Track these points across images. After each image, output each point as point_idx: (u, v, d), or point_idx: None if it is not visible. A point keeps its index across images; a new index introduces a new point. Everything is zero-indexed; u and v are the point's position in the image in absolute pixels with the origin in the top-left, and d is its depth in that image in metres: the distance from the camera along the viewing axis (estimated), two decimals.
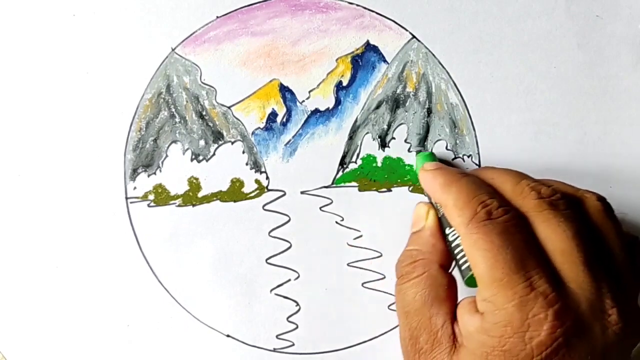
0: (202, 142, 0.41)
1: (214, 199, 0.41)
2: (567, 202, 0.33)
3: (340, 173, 0.41)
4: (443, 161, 0.41)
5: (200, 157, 0.41)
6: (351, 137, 0.41)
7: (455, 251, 0.35)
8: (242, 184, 0.41)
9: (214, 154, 0.41)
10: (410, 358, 0.34)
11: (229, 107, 0.41)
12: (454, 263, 0.36)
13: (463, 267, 0.34)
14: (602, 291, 0.31)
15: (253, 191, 0.41)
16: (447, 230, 0.36)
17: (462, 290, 0.35)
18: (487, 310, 0.31)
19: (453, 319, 0.34)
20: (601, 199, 0.34)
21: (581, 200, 0.34)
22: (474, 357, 0.31)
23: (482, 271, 0.31)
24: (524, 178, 0.35)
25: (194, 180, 0.41)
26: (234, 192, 0.41)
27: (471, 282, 0.33)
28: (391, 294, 0.41)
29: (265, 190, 0.41)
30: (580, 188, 0.35)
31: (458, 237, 0.35)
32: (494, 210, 0.33)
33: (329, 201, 0.41)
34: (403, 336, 0.35)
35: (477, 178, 0.36)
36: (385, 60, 0.41)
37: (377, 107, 0.42)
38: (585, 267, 0.31)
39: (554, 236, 0.32)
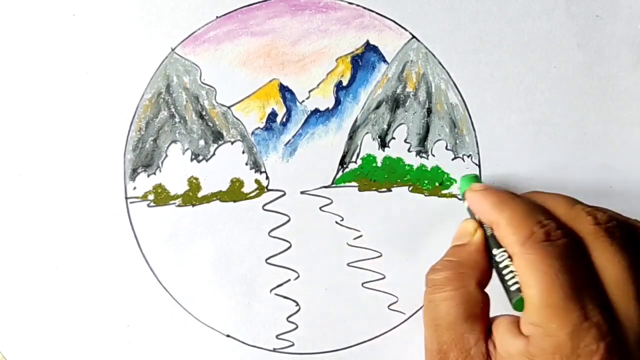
0: (201, 142, 0.41)
1: (214, 199, 0.41)
2: (623, 230, 0.32)
3: (340, 173, 0.41)
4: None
5: (200, 157, 0.41)
6: (351, 137, 0.41)
7: (504, 272, 0.34)
8: (242, 184, 0.41)
9: (213, 154, 0.41)
10: None
11: (228, 107, 0.41)
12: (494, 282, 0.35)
13: (512, 289, 0.33)
14: None
15: (253, 191, 0.41)
16: (495, 251, 0.35)
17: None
18: (534, 335, 0.30)
19: (486, 337, 0.33)
20: None
21: (635, 229, 0.33)
22: None
23: (535, 294, 0.31)
24: (577, 202, 0.34)
25: (194, 180, 0.41)
26: (234, 192, 0.41)
27: (520, 305, 0.33)
28: (391, 294, 0.41)
29: (265, 190, 0.41)
30: (629, 217, 0.35)
31: (507, 258, 0.34)
32: (552, 232, 0.32)
33: (329, 201, 0.41)
34: (430, 349, 0.34)
35: (530, 199, 0.35)
36: (385, 60, 0.41)
37: (377, 107, 0.42)
38: (638, 300, 0.31)
39: (609, 265, 0.31)
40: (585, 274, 0.31)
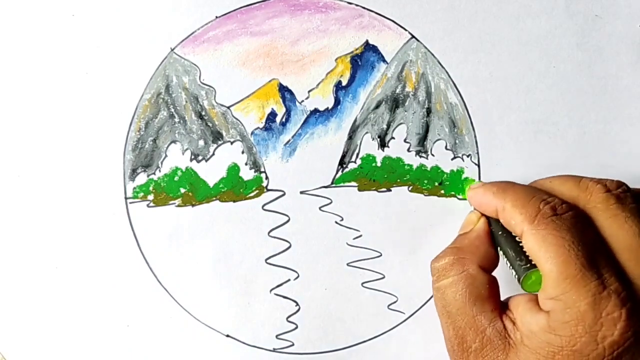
0: (201, 142, 0.41)
1: (214, 199, 0.41)
2: (633, 196, 0.33)
3: (340, 173, 0.41)
4: None
5: (200, 157, 0.41)
6: (350, 137, 0.41)
7: (511, 255, 0.35)
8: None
9: (213, 154, 0.41)
10: (458, 357, 0.34)
11: (228, 107, 0.41)
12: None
13: (521, 269, 0.34)
14: None
15: (252, 191, 0.41)
16: (501, 237, 0.36)
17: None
18: (555, 309, 0.31)
19: (500, 315, 0.33)
20: None
21: None
22: (538, 357, 0.31)
23: (552, 268, 0.31)
24: (583, 177, 0.34)
25: None
26: (234, 192, 0.41)
27: (529, 285, 0.33)
28: (391, 294, 0.41)
29: (265, 190, 0.41)
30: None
31: (513, 242, 0.34)
32: (558, 207, 0.32)
33: (329, 201, 0.41)
34: (448, 336, 0.34)
35: (530, 185, 0.36)
36: (384, 60, 0.41)
37: (377, 106, 0.42)
38: None
39: (621, 233, 0.31)
40: (596, 243, 0.31)
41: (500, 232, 0.36)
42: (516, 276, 0.34)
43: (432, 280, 0.36)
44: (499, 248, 0.36)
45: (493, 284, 0.34)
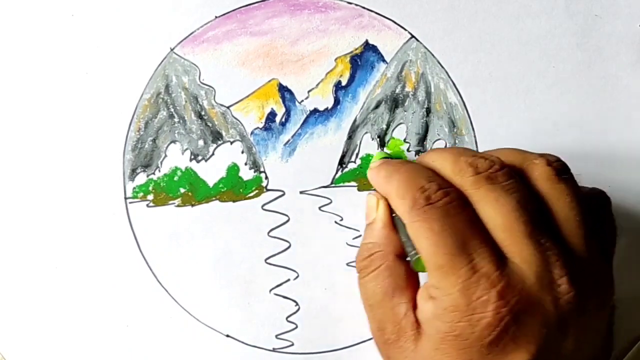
0: (201, 142, 0.41)
1: (213, 199, 0.41)
2: (507, 173, 0.32)
3: (340, 173, 0.41)
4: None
5: (199, 157, 0.41)
6: (350, 137, 0.41)
7: (402, 239, 0.35)
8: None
9: (212, 154, 0.41)
10: (381, 350, 0.34)
11: (227, 107, 0.41)
12: None
13: (409, 255, 0.34)
14: (549, 261, 0.30)
15: (252, 191, 0.41)
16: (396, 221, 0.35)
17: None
18: (437, 296, 0.31)
19: (415, 306, 0.33)
20: (552, 163, 0.33)
21: (527, 168, 0.33)
22: (434, 343, 0.31)
23: (427, 258, 0.31)
24: (462, 154, 0.33)
25: None
26: (233, 192, 0.41)
27: (422, 268, 0.33)
28: None
29: (265, 190, 0.41)
30: (532, 153, 0.34)
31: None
32: (432, 195, 0.32)
33: (328, 201, 0.41)
34: (372, 329, 0.35)
35: (418, 164, 0.35)
36: (384, 60, 0.41)
37: (376, 106, 0.42)
38: (529, 239, 0.30)
39: (493, 212, 0.31)
40: (470, 227, 0.31)
41: (394, 215, 0.35)
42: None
43: (357, 278, 0.36)
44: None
45: (411, 274, 0.34)
